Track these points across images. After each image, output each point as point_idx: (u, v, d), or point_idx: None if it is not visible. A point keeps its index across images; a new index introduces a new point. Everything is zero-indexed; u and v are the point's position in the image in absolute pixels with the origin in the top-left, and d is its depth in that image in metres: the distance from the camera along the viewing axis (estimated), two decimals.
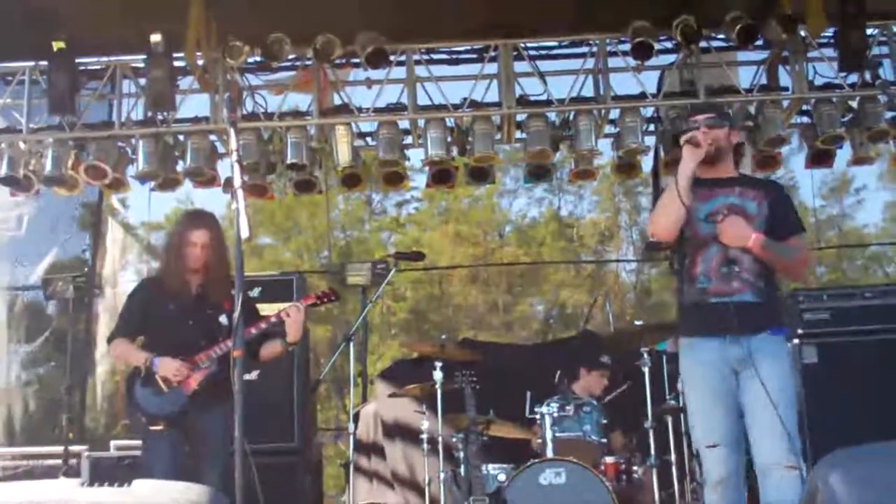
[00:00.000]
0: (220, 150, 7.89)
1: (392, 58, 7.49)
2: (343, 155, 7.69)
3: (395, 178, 8.04)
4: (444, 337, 6.75)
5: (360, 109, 7.70)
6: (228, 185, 7.70)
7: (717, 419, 4.39)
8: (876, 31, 7.49)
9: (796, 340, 7.18)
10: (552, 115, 7.72)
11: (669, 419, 6.53)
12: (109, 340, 5.59)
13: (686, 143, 4.45)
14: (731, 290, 4.40)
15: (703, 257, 4.47)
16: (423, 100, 7.69)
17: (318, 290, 5.91)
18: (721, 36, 7.48)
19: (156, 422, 5.24)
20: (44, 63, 7.57)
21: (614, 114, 7.73)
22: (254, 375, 6.77)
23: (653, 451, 6.15)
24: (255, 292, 7.26)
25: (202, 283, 5.48)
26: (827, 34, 7.41)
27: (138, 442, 5.67)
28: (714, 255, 4.45)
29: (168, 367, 5.24)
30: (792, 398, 4.37)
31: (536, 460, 6.01)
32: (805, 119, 7.85)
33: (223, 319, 5.39)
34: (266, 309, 6.43)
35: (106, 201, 12.87)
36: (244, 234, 3.90)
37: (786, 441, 4.18)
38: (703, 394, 4.47)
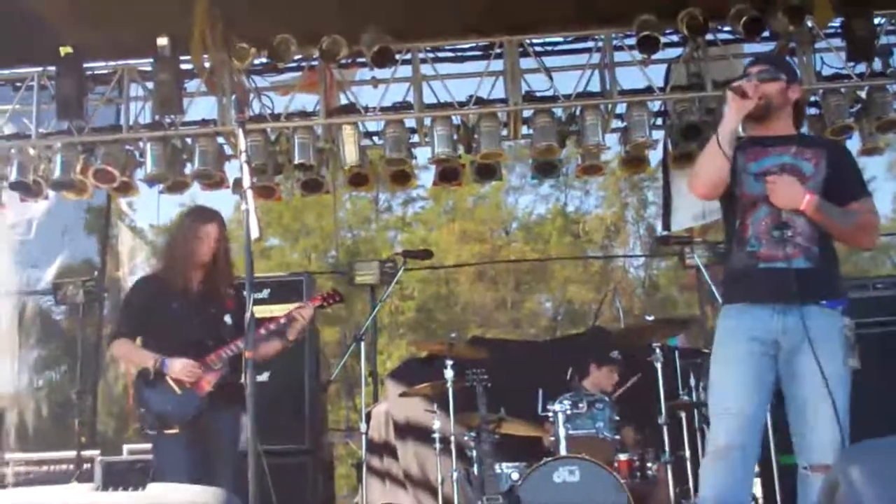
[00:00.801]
0: (228, 152, 7.91)
1: (397, 57, 7.49)
2: (350, 155, 7.68)
3: (401, 177, 8.04)
4: (453, 335, 6.74)
5: (366, 109, 7.70)
6: (238, 186, 7.70)
7: (735, 388, 3.99)
8: (883, 20, 7.46)
9: None
10: (558, 111, 7.71)
11: (683, 415, 6.52)
12: (111, 340, 5.42)
13: (731, 91, 4.11)
14: (782, 256, 3.99)
15: (752, 219, 4.11)
16: (429, 98, 7.69)
17: (323, 291, 5.82)
18: (727, 28, 7.46)
19: (170, 425, 5.11)
20: (51, 69, 7.59)
21: (621, 108, 7.70)
22: (264, 377, 6.77)
23: (667, 448, 6.13)
24: (265, 293, 7.27)
25: (205, 280, 5.34)
26: (834, 24, 7.38)
27: (150, 446, 5.62)
28: (764, 216, 4.08)
29: (180, 369, 5.09)
30: (846, 383, 3.91)
31: (550, 458, 5.98)
32: (813, 110, 7.82)
33: (228, 319, 5.29)
34: (276, 310, 6.43)
35: (114, 205, 12.89)
36: (254, 234, 3.89)
37: (839, 440, 3.77)
38: (726, 359, 4.09)
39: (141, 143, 7.83)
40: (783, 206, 4.02)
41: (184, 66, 7.41)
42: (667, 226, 8.61)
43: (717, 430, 4.00)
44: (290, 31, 7.21)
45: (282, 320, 5.35)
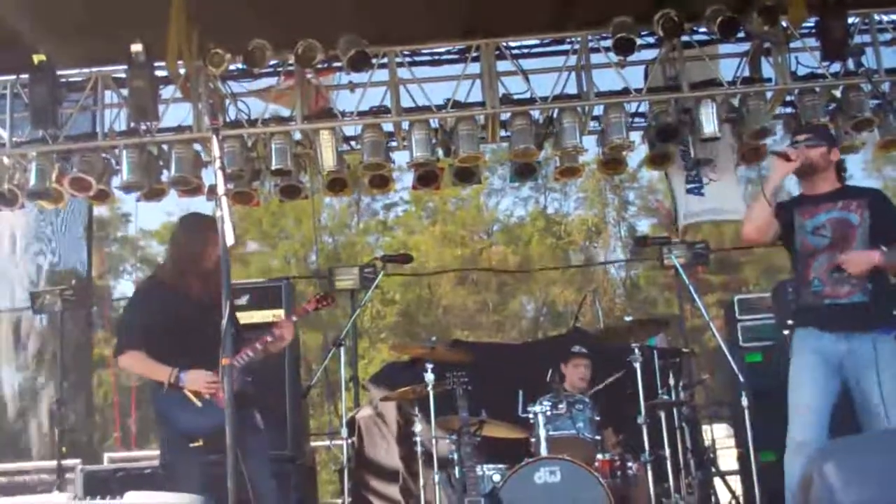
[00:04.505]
0: (205, 158, 7.86)
1: (374, 61, 7.48)
2: (328, 160, 7.67)
3: (380, 182, 8.03)
4: (433, 339, 6.73)
5: (343, 113, 7.69)
6: (212, 192, 7.66)
7: (809, 390, 4.79)
8: (857, 19, 7.50)
9: (786, 331, 7.21)
10: (536, 114, 7.72)
11: (662, 414, 6.53)
12: (119, 353, 5.19)
13: (774, 156, 5.04)
14: (842, 293, 4.84)
15: (814, 265, 4.92)
16: (406, 102, 7.69)
17: (316, 294, 5.72)
18: (703, 29, 7.48)
19: (194, 438, 4.96)
20: (25, 77, 7.53)
21: (598, 110, 7.73)
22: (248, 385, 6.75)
23: (646, 447, 6.14)
24: (244, 300, 7.24)
25: (206, 288, 5.12)
26: (808, 24, 7.41)
27: (133, 454, 5.57)
28: (824, 262, 4.89)
29: (198, 381, 4.97)
30: None
31: (531, 459, 5.99)
32: (789, 110, 7.87)
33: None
34: (256, 316, 6.40)
35: (111, 213, 12.84)
36: (229, 241, 3.88)
37: None
38: (804, 368, 4.87)
39: (117, 151, 7.78)
40: (863, 272, 4.79)
41: (159, 73, 7.37)
42: (675, 228, 8.73)
43: (794, 426, 4.76)
44: (265, 36, 7.19)
45: (268, 339, 5.27)
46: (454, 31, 7.68)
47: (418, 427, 6.49)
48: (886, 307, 4.86)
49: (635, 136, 7.93)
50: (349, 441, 6.89)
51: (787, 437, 4.78)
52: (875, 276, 4.82)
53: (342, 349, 7.12)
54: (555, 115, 7.70)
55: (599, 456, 6.27)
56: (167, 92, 7.69)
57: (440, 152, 7.88)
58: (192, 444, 4.97)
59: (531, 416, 6.46)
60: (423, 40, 7.81)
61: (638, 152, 8.38)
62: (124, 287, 26.71)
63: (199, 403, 5.00)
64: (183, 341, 5.10)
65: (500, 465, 6.13)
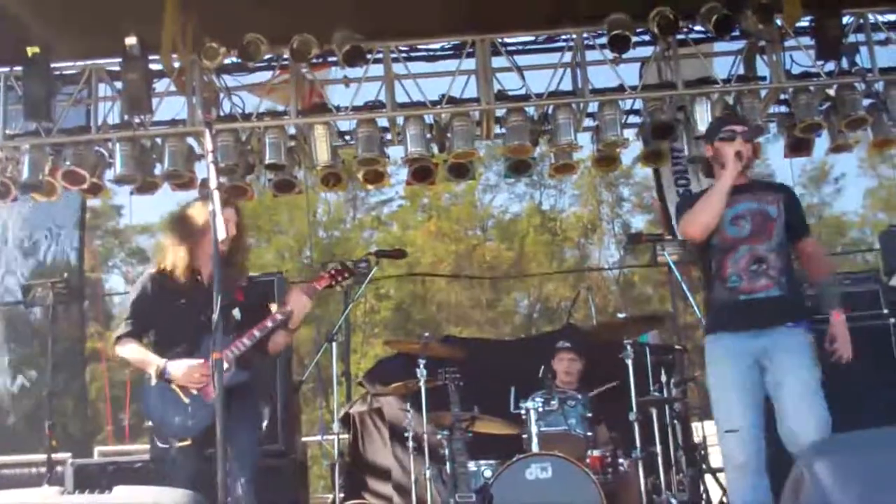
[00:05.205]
0: (199, 151, 7.86)
1: (369, 56, 7.47)
2: (322, 154, 7.67)
3: (374, 177, 8.03)
4: (426, 334, 6.71)
5: (338, 108, 7.68)
6: (204, 186, 7.65)
7: (738, 407, 4.67)
8: (851, 18, 7.52)
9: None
10: (531, 110, 7.73)
11: (654, 411, 6.53)
12: (115, 342, 4.99)
13: (736, 157, 4.82)
14: (759, 287, 4.75)
15: (732, 259, 4.81)
16: (401, 97, 7.68)
17: (330, 268, 5.44)
18: (698, 27, 7.48)
19: (181, 437, 4.74)
20: (19, 69, 7.51)
21: (593, 107, 7.73)
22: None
23: (638, 444, 6.15)
24: None
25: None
26: (803, 23, 7.43)
27: (124, 448, 5.52)
28: (743, 255, 4.79)
29: (185, 375, 4.73)
30: (818, 386, 4.64)
31: (522, 455, 5.99)
32: (783, 108, 7.88)
33: (236, 313, 4.88)
34: None
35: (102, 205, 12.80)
36: (220, 235, 3.87)
37: (813, 424, 4.50)
38: (725, 383, 4.77)
39: (110, 144, 7.77)
40: (848, 350, 4.76)
41: (153, 66, 7.36)
42: (672, 232, 8.76)
43: (731, 448, 4.68)
44: (260, 30, 7.17)
45: (278, 316, 5.01)
46: (450, 26, 7.68)
47: (410, 423, 6.49)
48: (798, 300, 4.89)
49: (630, 133, 7.96)
50: (343, 436, 6.88)
51: (724, 457, 4.78)
52: (789, 273, 4.83)
53: (334, 344, 7.12)
54: (550, 112, 7.71)
55: (590, 452, 6.27)
56: (161, 85, 7.68)
57: (435, 148, 7.88)
58: (179, 444, 4.76)
59: (523, 412, 6.46)
60: (418, 36, 7.82)
61: (632, 149, 8.41)
62: (115, 281, 26.72)
63: (186, 400, 4.77)
64: (177, 331, 4.90)
65: (492, 461, 6.12)
